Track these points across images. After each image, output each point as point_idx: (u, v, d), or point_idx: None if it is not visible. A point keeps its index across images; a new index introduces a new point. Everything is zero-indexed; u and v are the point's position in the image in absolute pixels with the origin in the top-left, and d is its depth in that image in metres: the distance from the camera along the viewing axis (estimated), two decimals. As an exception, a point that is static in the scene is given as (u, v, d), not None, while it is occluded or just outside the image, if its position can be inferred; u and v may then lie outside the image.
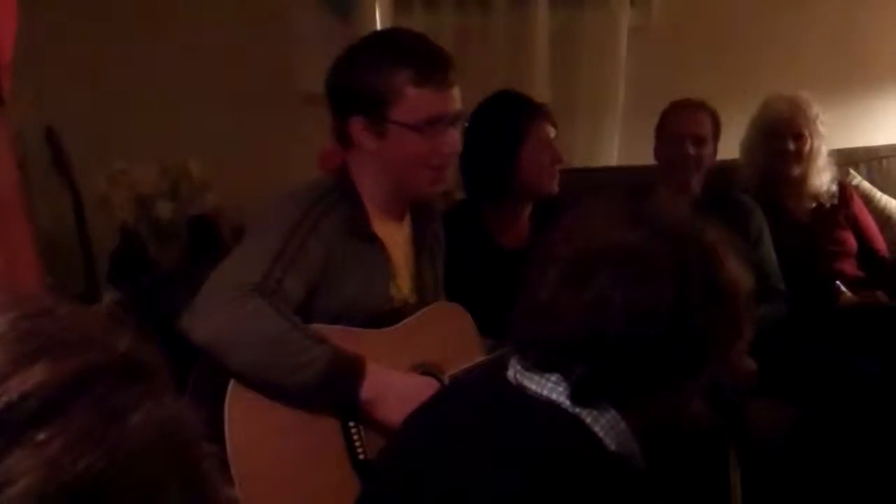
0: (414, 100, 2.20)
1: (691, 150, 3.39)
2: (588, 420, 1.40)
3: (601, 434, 1.40)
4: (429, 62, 2.22)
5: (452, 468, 1.42)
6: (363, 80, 2.21)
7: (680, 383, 1.43)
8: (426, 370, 2.25)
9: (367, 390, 2.05)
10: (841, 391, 3.08)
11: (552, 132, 3.06)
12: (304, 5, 3.59)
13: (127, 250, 3.43)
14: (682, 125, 3.44)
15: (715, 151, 3.45)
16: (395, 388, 2.07)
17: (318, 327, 2.11)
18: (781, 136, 3.62)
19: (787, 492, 3.00)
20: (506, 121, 2.94)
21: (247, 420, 2.02)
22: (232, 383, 2.02)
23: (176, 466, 0.69)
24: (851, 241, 3.69)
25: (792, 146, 3.61)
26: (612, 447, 1.40)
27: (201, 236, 3.50)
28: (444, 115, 2.24)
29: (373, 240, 2.27)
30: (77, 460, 0.63)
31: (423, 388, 2.04)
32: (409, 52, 2.23)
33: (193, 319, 2.01)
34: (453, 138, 2.28)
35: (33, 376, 0.65)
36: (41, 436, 0.64)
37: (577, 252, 1.39)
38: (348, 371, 2.05)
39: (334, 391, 2.05)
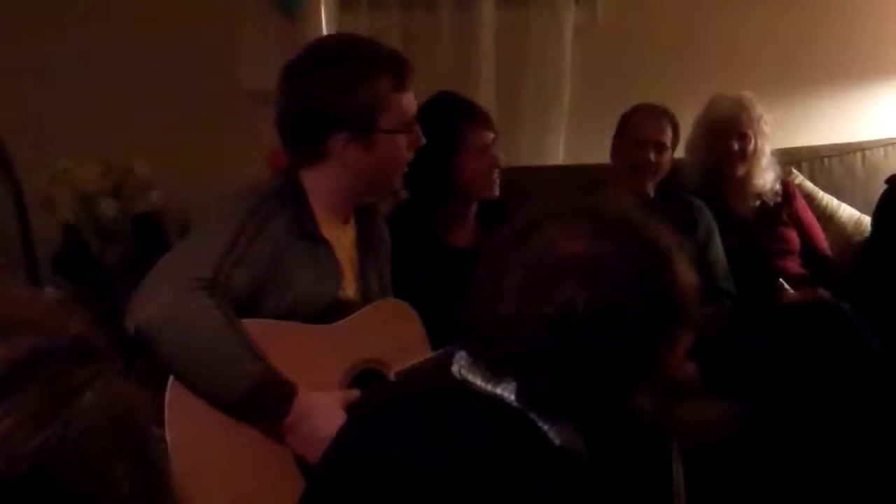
0: (396, 105, 2.25)
1: (652, 157, 3.42)
2: (533, 415, 1.41)
3: (546, 429, 1.41)
4: (400, 66, 2.27)
5: (388, 463, 1.42)
6: (345, 94, 2.21)
7: (631, 386, 1.44)
8: (371, 367, 2.25)
9: (292, 417, 2.04)
10: (790, 385, 3.12)
11: (489, 137, 3.04)
12: (249, 4, 3.57)
13: (70, 249, 3.38)
14: (645, 130, 3.46)
15: (672, 158, 3.49)
16: (322, 414, 2.04)
17: (266, 322, 2.11)
18: (726, 135, 3.66)
19: (739, 488, 3.04)
20: (442, 126, 2.91)
21: (187, 416, 2.01)
22: (171, 380, 2.01)
23: (126, 446, 0.71)
24: (795, 239, 3.74)
25: (736, 146, 3.66)
26: (557, 442, 1.41)
27: (145, 235, 3.46)
28: (414, 115, 2.31)
29: (320, 241, 2.26)
30: (29, 437, 0.64)
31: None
32: (381, 60, 2.25)
33: (138, 305, 2.00)
34: (419, 135, 2.34)
35: None
36: None
37: (537, 261, 1.38)
38: (276, 394, 2.04)
39: (259, 410, 2.04)
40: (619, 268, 1.36)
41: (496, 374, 1.41)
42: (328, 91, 2.22)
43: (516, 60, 4.12)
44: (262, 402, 2.03)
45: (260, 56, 3.57)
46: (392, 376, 2.26)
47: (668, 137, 3.46)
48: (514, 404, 1.40)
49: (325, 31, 3.58)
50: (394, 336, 2.32)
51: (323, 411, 2.04)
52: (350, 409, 1.88)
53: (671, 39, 4.25)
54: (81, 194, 3.31)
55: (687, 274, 1.42)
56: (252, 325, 2.07)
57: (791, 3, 4.34)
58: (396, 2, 4.01)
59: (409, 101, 2.28)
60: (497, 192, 3.06)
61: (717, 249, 3.50)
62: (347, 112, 2.21)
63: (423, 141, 2.34)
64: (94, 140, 3.59)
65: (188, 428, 2.01)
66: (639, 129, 3.48)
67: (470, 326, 1.45)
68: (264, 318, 2.14)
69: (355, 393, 2.13)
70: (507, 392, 1.41)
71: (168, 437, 1.98)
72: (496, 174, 3.03)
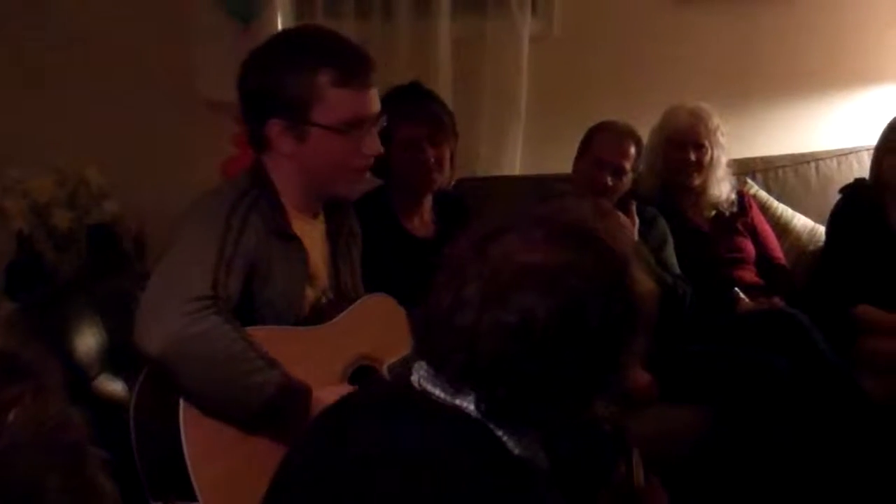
0: (335, 101, 2.17)
1: (609, 181, 3.42)
2: (492, 425, 1.40)
3: (505, 438, 1.40)
4: (350, 62, 2.19)
5: (346, 472, 1.41)
6: (283, 81, 2.17)
7: (592, 395, 1.44)
8: (365, 363, 2.26)
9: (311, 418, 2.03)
10: (751, 387, 3.15)
11: (419, 132, 3.10)
12: (205, 10, 3.54)
13: (24, 260, 3.33)
14: (606, 151, 3.45)
15: (631, 179, 3.49)
16: None
17: (264, 328, 2.11)
18: (682, 146, 3.69)
19: (703, 495, 3.05)
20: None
21: (203, 428, 2.02)
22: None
23: (56, 463, 0.70)
24: (750, 248, 3.78)
25: (693, 156, 3.69)
26: (516, 451, 1.40)
27: (100, 245, 3.43)
28: (365, 117, 2.21)
29: (292, 238, 2.24)
30: None
31: None
32: (331, 52, 2.19)
33: (147, 332, 1.98)
34: (373, 140, 2.25)
35: None
36: None
37: (495, 272, 1.37)
38: (295, 399, 2.04)
39: (280, 417, 2.03)
40: (577, 277, 1.35)
41: (455, 386, 1.40)
42: (266, 75, 2.19)
43: (473, 70, 4.12)
44: (284, 407, 2.03)
45: (215, 64, 3.54)
46: (385, 371, 2.26)
47: (629, 161, 3.45)
48: (474, 415, 1.39)
49: (281, 40, 3.56)
50: (383, 330, 2.31)
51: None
52: (314, 421, 1.87)
53: (627, 50, 4.28)
54: (35, 204, 3.27)
55: (645, 280, 1.42)
56: (253, 333, 2.07)
57: (746, 14, 4.38)
58: (353, 10, 3.99)
59: (352, 101, 2.18)
60: (431, 188, 3.09)
61: (671, 256, 3.52)
62: (281, 98, 2.17)
63: (374, 149, 2.26)
64: (47, 149, 3.54)
65: (205, 442, 2.02)
66: (600, 149, 3.47)
67: (428, 337, 1.44)
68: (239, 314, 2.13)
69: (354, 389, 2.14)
70: (466, 402, 1.40)
71: (186, 453, 1.99)
72: (431, 170, 3.05)
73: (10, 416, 0.67)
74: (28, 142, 3.56)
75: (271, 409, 2.02)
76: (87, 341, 2.69)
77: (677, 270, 3.50)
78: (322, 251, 2.37)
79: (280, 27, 3.57)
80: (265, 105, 2.20)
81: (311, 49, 2.22)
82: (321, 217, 2.38)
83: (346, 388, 2.12)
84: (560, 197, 1.50)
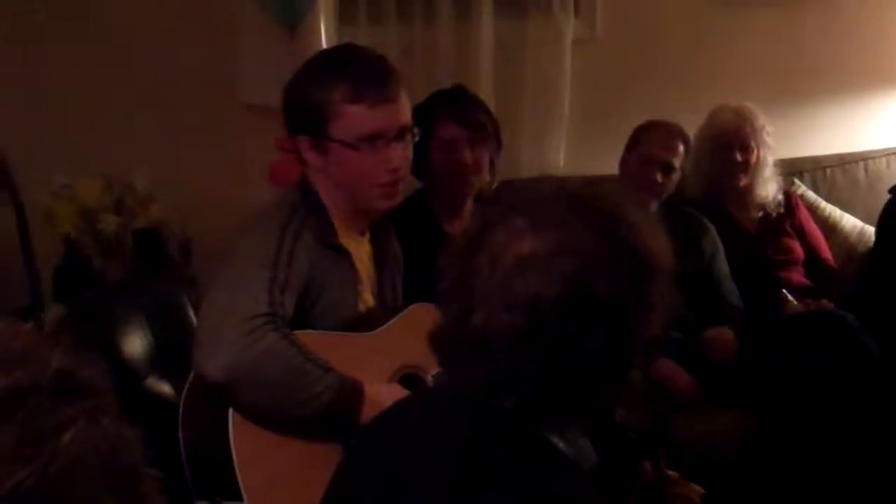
0: (350, 116, 2.19)
1: (658, 178, 3.40)
2: (537, 424, 1.38)
3: (548, 435, 1.38)
4: (364, 77, 2.20)
5: (388, 471, 1.40)
6: (303, 98, 2.22)
7: (626, 367, 1.39)
8: (411, 372, 2.28)
9: (365, 414, 2.07)
10: (799, 392, 3.11)
11: (459, 133, 3.08)
12: (249, 17, 3.56)
13: (71, 264, 3.37)
14: (655, 149, 3.44)
15: (678, 178, 3.47)
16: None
17: (313, 333, 2.13)
18: (728, 146, 3.66)
19: (746, 499, 3.02)
20: (421, 116, 2.92)
21: (251, 430, 2.06)
22: None
23: (111, 486, 0.68)
24: (798, 249, 3.74)
25: (739, 157, 3.65)
26: (560, 445, 1.38)
27: (146, 249, 3.45)
28: (384, 131, 2.22)
29: (342, 251, 2.28)
30: (5, 478, 0.62)
31: None
32: (345, 69, 2.21)
33: (208, 358, 2.01)
34: (396, 154, 2.25)
35: None
36: None
37: (491, 273, 1.33)
38: (351, 397, 2.08)
39: (338, 417, 2.07)
40: (571, 252, 1.30)
41: (488, 395, 1.38)
42: (294, 89, 2.26)
43: (515, 72, 4.11)
44: (343, 408, 2.07)
45: (260, 70, 3.56)
46: (430, 380, 2.27)
47: (678, 158, 3.43)
48: (514, 412, 1.37)
49: (324, 45, 3.57)
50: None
51: (389, 396, 2.05)
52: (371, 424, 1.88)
53: (671, 51, 4.25)
54: (83, 209, 3.30)
55: (653, 236, 1.36)
56: (303, 337, 2.10)
57: (793, 13, 4.34)
58: (395, 14, 4.00)
59: (368, 116, 2.19)
60: (469, 190, 3.09)
61: (723, 263, 3.50)
62: (303, 113, 2.23)
63: (397, 162, 2.26)
64: (96, 155, 3.58)
65: (252, 445, 2.06)
66: (648, 146, 3.46)
67: (446, 351, 1.42)
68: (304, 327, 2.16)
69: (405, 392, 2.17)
70: (504, 401, 1.37)
71: (234, 455, 2.03)
72: (469, 172, 3.04)
73: (66, 438, 0.66)
74: (76, 147, 3.60)
75: (331, 412, 2.06)
76: (135, 344, 2.72)
77: (731, 281, 3.48)
78: (368, 270, 2.40)
79: (323, 33, 3.58)
80: (293, 120, 2.26)
81: (326, 66, 2.26)
82: (367, 237, 2.42)
83: (396, 388, 2.17)
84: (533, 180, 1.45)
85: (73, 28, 3.65)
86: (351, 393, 2.08)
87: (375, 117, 2.20)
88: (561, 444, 1.38)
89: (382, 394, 2.09)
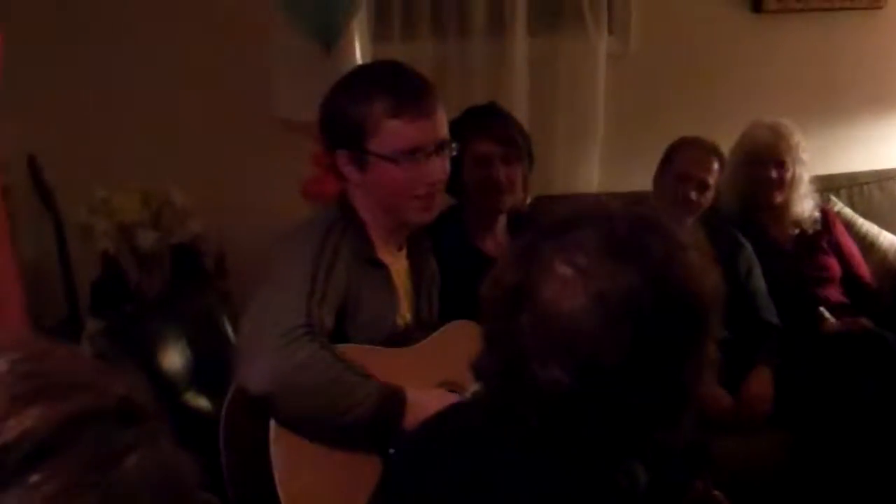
0: (389, 131, 2.20)
1: (693, 195, 3.39)
2: (596, 462, 1.37)
3: (610, 472, 1.37)
4: (404, 92, 2.22)
5: (443, 498, 1.40)
6: (342, 113, 2.24)
7: (680, 411, 1.36)
8: (450, 388, 2.28)
9: (409, 420, 2.07)
10: (836, 412, 3.09)
11: (491, 149, 3.07)
12: (285, 34, 3.58)
13: (109, 279, 3.40)
14: (689, 166, 3.42)
15: (712, 196, 3.45)
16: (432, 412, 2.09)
17: (353, 347, 2.15)
18: (763, 163, 3.64)
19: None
20: (455, 132, 2.94)
21: (291, 443, 2.07)
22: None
23: None
24: (835, 266, 3.71)
25: (774, 173, 3.63)
26: (622, 481, 1.37)
27: (183, 264, 3.48)
28: (423, 145, 2.23)
29: (380, 266, 2.30)
30: (70, 503, 0.63)
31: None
32: (384, 83, 2.24)
33: (247, 372, 2.05)
34: (435, 167, 2.27)
35: (29, 418, 0.65)
36: (35, 478, 0.64)
37: (543, 327, 1.29)
38: (394, 403, 2.09)
39: (382, 425, 2.08)
40: (627, 312, 1.26)
41: (543, 438, 1.36)
42: (331, 105, 2.28)
43: (549, 88, 4.12)
44: (386, 414, 2.08)
45: (295, 87, 3.58)
46: (468, 396, 2.28)
47: (713, 176, 3.42)
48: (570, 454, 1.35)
49: (358, 61, 3.59)
50: (466, 356, 2.33)
51: (432, 401, 2.06)
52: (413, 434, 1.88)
53: (705, 66, 4.24)
54: (120, 224, 3.33)
55: (705, 273, 1.32)
56: (343, 350, 2.12)
57: (827, 28, 4.33)
58: (429, 31, 4.02)
59: (407, 130, 2.20)
60: (502, 207, 3.08)
61: (759, 281, 3.48)
62: (342, 128, 2.24)
63: (436, 176, 2.28)
64: (133, 168, 3.61)
65: (294, 455, 2.08)
66: (683, 164, 3.44)
67: (497, 396, 1.40)
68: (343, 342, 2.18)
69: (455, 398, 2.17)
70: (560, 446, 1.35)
71: (274, 464, 2.05)
72: (502, 189, 3.04)
73: (128, 463, 0.67)
74: (114, 162, 3.63)
75: (374, 420, 2.07)
76: (173, 358, 2.74)
77: (767, 297, 3.46)
78: (405, 286, 2.42)
79: (358, 50, 3.60)
80: (332, 136, 2.28)
81: (365, 81, 2.28)
82: (404, 252, 2.43)
83: (441, 393, 2.17)
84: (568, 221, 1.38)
85: (112, 44, 3.69)
86: (393, 399, 2.09)
87: (414, 131, 2.21)
88: (616, 476, 1.37)
89: (427, 400, 2.10)
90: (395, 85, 2.24)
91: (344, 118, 2.23)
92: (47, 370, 0.69)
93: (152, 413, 0.73)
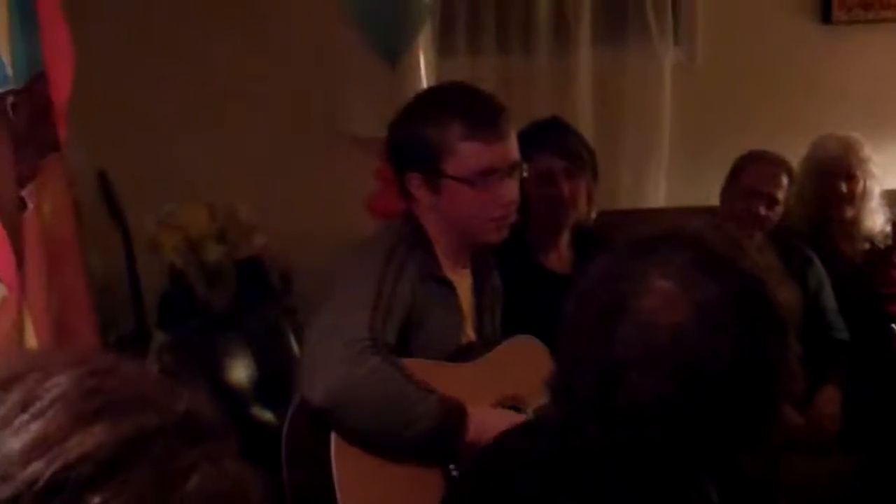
0: (466, 153, 2.21)
1: (762, 210, 3.33)
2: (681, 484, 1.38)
3: (692, 496, 1.38)
4: (479, 115, 2.23)
5: None
6: (416, 135, 2.25)
7: (767, 429, 1.37)
8: (510, 404, 2.28)
9: (470, 434, 2.08)
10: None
11: (555, 164, 3.03)
12: (351, 49, 3.61)
13: (176, 292, 3.44)
14: (758, 181, 3.37)
15: (781, 210, 3.40)
16: (495, 429, 2.06)
17: (416, 361, 2.16)
18: (833, 176, 3.58)
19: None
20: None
21: (353, 456, 2.08)
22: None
23: None
24: (907, 282, 3.64)
25: (844, 187, 3.57)
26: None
27: (249, 279, 3.51)
28: (498, 167, 2.25)
29: (447, 284, 2.30)
30: None
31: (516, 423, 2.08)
32: (460, 106, 2.25)
33: (311, 383, 2.06)
34: (509, 189, 2.28)
35: (92, 437, 0.65)
36: (96, 499, 0.63)
37: (643, 341, 1.30)
38: (455, 418, 2.10)
39: (443, 439, 2.09)
40: (728, 324, 1.29)
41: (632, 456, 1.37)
42: (405, 129, 2.28)
43: (614, 102, 4.10)
44: (447, 429, 2.09)
45: (361, 102, 3.61)
46: (530, 412, 2.27)
47: (781, 191, 3.35)
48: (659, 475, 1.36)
49: (424, 78, 3.60)
50: (529, 372, 2.32)
51: (493, 418, 2.09)
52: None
53: (773, 78, 4.18)
54: (187, 238, 3.37)
55: (785, 292, 1.34)
56: (405, 364, 2.13)
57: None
58: (494, 46, 4.03)
59: (483, 153, 2.22)
60: (566, 223, 3.05)
61: (829, 297, 3.41)
62: (415, 150, 2.25)
63: (510, 198, 2.29)
64: (200, 183, 3.66)
65: (354, 469, 2.09)
66: (751, 178, 3.39)
67: (580, 419, 1.37)
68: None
69: (516, 416, 2.18)
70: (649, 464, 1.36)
71: (336, 477, 2.06)
72: (566, 205, 3.02)
73: (192, 483, 0.67)
74: (183, 177, 3.68)
75: (436, 434, 2.08)
76: (239, 372, 2.77)
77: (837, 314, 3.39)
78: (470, 302, 2.42)
79: (423, 64, 3.62)
80: (404, 158, 2.29)
81: (440, 103, 2.29)
82: (469, 269, 2.43)
83: (503, 412, 2.17)
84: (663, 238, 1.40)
85: (181, 61, 3.74)
86: (454, 414, 2.10)
87: (490, 154, 2.22)
88: (690, 494, 1.39)
89: (488, 417, 2.10)
90: (470, 107, 2.25)
91: (418, 141, 2.24)
92: (111, 387, 0.69)
93: (217, 430, 0.72)
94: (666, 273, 1.31)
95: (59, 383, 0.68)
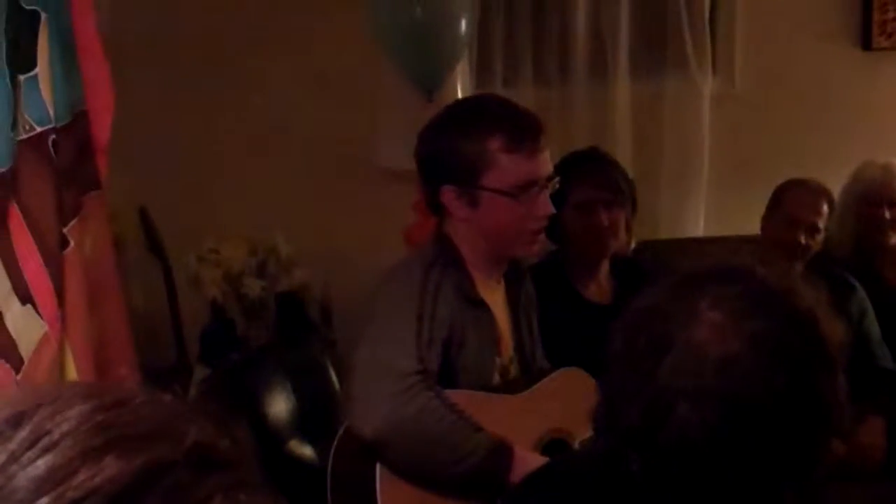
0: (506, 166, 2.21)
1: (803, 239, 3.30)
2: None
3: None
4: (520, 128, 2.23)
5: None
6: (455, 148, 2.23)
7: (809, 475, 1.38)
8: (557, 436, 2.28)
9: (515, 474, 2.07)
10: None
11: (596, 195, 3.02)
12: (388, 81, 3.63)
13: (217, 327, 3.46)
14: (799, 209, 3.33)
15: (823, 238, 3.36)
16: None
17: (462, 393, 2.16)
18: (876, 203, 3.54)
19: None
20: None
21: (398, 488, 2.09)
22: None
23: None
24: (954, 311, 3.58)
25: (887, 214, 3.53)
26: None
27: (289, 313, 3.52)
28: (536, 180, 2.24)
29: (481, 304, 2.29)
30: None
31: None
32: (501, 119, 2.24)
33: (362, 417, 2.07)
34: (545, 202, 2.28)
35: (100, 472, 0.64)
36: None
37: (695, 372, 1.29)
38: (502, 458, 2.09)
39: (489, 477, 2.08)
40: (779, 357, 1.29)
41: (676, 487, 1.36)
42: (440, 142, 2.27)
43: (653, 131, 4.09)
44: (493, 469, 2.08)
45: (398, 134, 3.61)
46: (577, 446, 2.25)
47: (822, 219, 3.32)
48: None
49: (462, 109, 3.61)
50: (575, 404, 2.31)
51: (539, 459, 2.10)
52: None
53: (813, 104, 4.16)
54: (228, 273, 3.39)
55: (833, 328, 1.34)
56: (453, 396, 2.13)
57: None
58: (531, 77, 4.03)
59: (523, 165, 2.21)
60: (605, 253, 3.04)
61: (873, 325, 3.37)
62: (454, 164, 2.23)
63: (546, 210, 2.29)
64: (240, 218, 3.68)
65: (400, 500, 2.10)
66: (792, 206, 3.35)
67: (628, 449, 1.38)
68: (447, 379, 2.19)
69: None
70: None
71: None
72: (605, 235, 3.00)
73: None
74: (222, 212, 3.71)
75: (483, 470, 2.08)
76: (278, 407, 2.76)
77: (882, 343, 3.35)
78: (505, 316, 2.40)
79: (460, 96, 3.62)
80: (439, 171, 2.27)
81: (481, 116, 2.27)
82: (502, 282, 2.42)
83: (541, 460, 2.14)
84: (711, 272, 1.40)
85: (220, 97, 3.78)
86: (501, 454, 2.09)
87: (531, 165, 2.23)
88: None
89: (533, 460, 2.09)
90: (509, 119, 2.24)
91: (455, 154, 2.23)
92: (122, 420, 0.68)
93: (234, 460, 0.70)
94: (716, 305, 1.31)
95: (69, 418, 0.67)
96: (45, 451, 0.65)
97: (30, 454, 0.65)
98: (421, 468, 2.09)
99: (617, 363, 1.37)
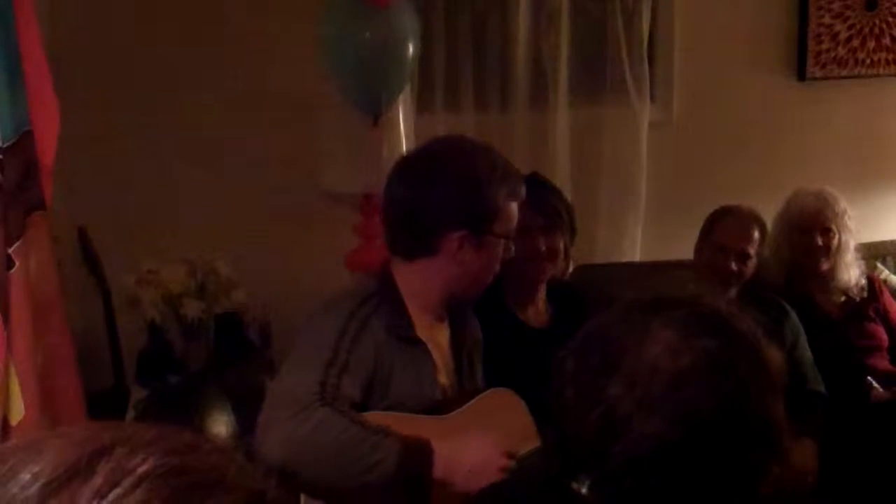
0: (509, 213, 2.33)
1: (734, 266, 3.36)
2: None
3: None
4: (516, 177, 2.35)
5: None
6: (479, 195, 2.27)
7: (755, 488, 1.41)
8: None
9: (438, 471, 2.08)
10: (889, 483, 3.03)
11: (530, 220, 3.05)
12: (332, 106, 3.63)
13: (155, 348, 3.43)
14: (729, 238, 3.39)
15: (755, 264, 3.43)
16: (464, 463, 2.10)
17: (376, 415, 2.13)
18: (809, 230, 3.62)
19: None
20: None
21: None
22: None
23: None
24: (882, 335, 3.66)
25: (820, 241, 3.61)
26: None
27: (228, 334, 3.50)
28: (517, 226, 2.39)
29: (417, 343, 2.28)
30: None
31: (490, 457, 2.12)
32: (505, 170, 2.32)
33: (263, 441, 2.05)
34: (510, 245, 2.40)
35: None
36: None
37: (644, 385, 1.33)
38: (419, 456, 2.08)
39: (409, 479, 2.07)
40: (728, 372, 1.34)
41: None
42: (456, 190, 2.27)
43: (591, 158, 4.14)
44: (412, 467, 2.07)
45: (341, 157, 3.61)
46: (513, 464, 2.27)
47: (753, 247, 3.39)
48: None
49: (403, 133, 3.62)
50: (505, 424, 2.32)
51: (463, 453, 2.10)
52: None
53: (749, 134, 4.25)
54: (167, 294, 3.37)
55: (771, 356, 1.41)
56: (371, 417, 2.11)
57: (872, 93, 4.33)
58: (472, 103, 4.07)
59: (516, 212, 2.34)
60: (543, 278, 3.07)
61: (805, 349, 3.43)
62: (470, 212, 2.27)
63: (511, 252, 2.39)
64: (179, 239, 3.66)
65: None
66: (723, 235, 3.42)
67: (577, 464, 1.40)
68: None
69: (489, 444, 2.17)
70: None
71: None
72: (543, 260, 3.04)
73: None
74: (162, 234, 3.68)
75: (400, 471, 2.05)
76: (218, 428, 2.75)
77: (813, 367, 3.41)
78: (446, 356, 2.41)
79: (402, 122, 3.63)
80: (447, 218, 2.28)
81: (489, 165, 2.31)
82: (447, 322, 2.43)
83: (471, 443, 2.15)
84: (682, 283, 1.49)
85: (159, 118, 3.76)
86: (416, 452, 2.07)
87: (518, 212, 2.36)
88: None
89: (457, 452, 2.10)
90: (510, 170, 2.34)
91: (481, 200, 2.27)
92: (195, 467, 0.70)
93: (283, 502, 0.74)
94: (667, 325, 1.36)
95: (147, 459, 0.68)
96: (133, 488, 0.67)
97: (117, 491, 0.66)
98: (335, 485, 2.06)
99: (568, 384, 1.39)
